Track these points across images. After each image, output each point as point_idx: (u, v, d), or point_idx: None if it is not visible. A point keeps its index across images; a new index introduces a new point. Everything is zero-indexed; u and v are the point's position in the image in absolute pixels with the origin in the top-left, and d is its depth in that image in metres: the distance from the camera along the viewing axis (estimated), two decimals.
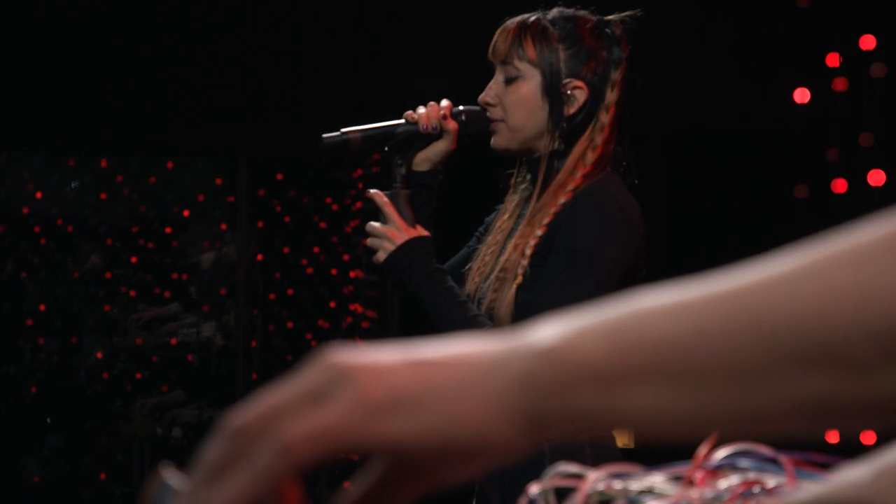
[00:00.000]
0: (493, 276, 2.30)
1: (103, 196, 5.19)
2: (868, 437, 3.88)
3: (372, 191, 2.34)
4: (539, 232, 2.26)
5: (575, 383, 0.64)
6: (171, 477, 0.71)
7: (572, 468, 1.26)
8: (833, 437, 4.21)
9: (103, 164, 5.16)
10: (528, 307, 2.23)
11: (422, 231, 2.30)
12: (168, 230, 5.28)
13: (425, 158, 2.38)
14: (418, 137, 2.36)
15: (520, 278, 2.26)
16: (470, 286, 2.35)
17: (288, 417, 0.65)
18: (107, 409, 5.17)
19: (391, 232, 2.29)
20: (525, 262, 2.25)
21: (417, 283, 2.26)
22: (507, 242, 2.33)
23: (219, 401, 4.85)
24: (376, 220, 2.33)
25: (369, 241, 2.33)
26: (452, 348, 0.67)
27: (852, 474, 0.72)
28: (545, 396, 0.64)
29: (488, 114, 2.36)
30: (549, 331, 0.66)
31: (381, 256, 2.30)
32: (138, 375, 5.20)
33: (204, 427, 4.70)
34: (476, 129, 2.39)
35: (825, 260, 0.62)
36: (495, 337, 0.67)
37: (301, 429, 0.64)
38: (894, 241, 0.60)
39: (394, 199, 2.33)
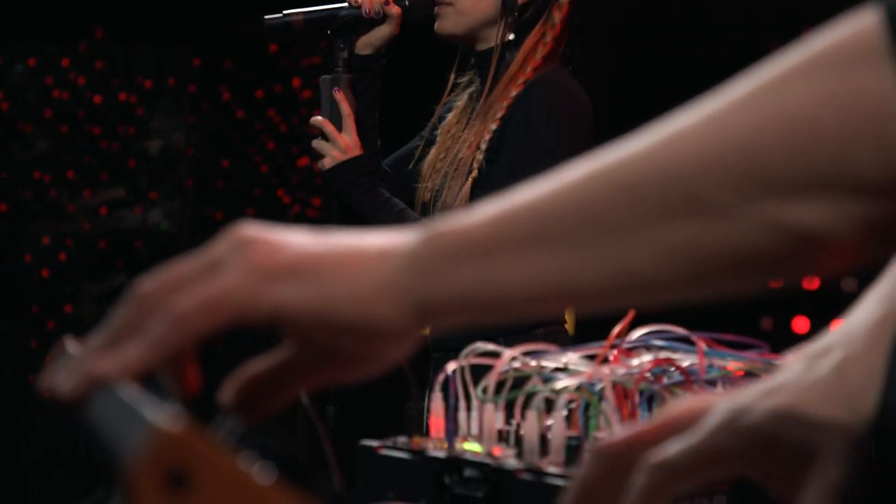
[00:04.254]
0: (448, 175, 2.32)
1: (49, 81, 5.12)
2: (800, 326, 3.98)
3: (314, 118, 2.36)
4: (493, 126, 2.27)
5: (456, 257, 0.66)
6: (74, 348, 0.72)
7: (488, 346, 1.28)
8: (767, 325, 4.30)
9: (49, 48, 5.08)
10: (482, 200, 2.26)
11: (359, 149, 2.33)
12: (115, 116, 5.22)
13: (368, 43, 2.38)
14: (361, 22, 2.36)
15: (475, 173, 2.28)
16: (424, 194, 2.37)
17: (185, 287, 0.66)
18: (54, 294, 5.16)
19: (343, 141, 2.32)
20: (480, 156, 2.27)
21: (358, 196, 2.30)
22: (459, 141, 2.34)
23: None
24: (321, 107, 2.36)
25: (315, 144, 2.35)
26: (359, 234, 0.69)
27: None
28: (428, 273, 0.66)
29: None
30: (449, 218, 0.68)
31: (327, 163, 2.33)
32: (86, 261, 5.20)
33: None
34: (420, 14, 2.39)
35: (688, 125, 0.65)
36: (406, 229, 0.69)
37: (194, 298, 0.65)
38: (744, 100, 0.64)
39: (335, 83, 2.34)
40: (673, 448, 0.73)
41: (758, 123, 0.62)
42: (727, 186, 0.62)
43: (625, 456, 0.75)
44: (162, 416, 0.49)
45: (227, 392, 0.70)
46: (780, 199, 0.62)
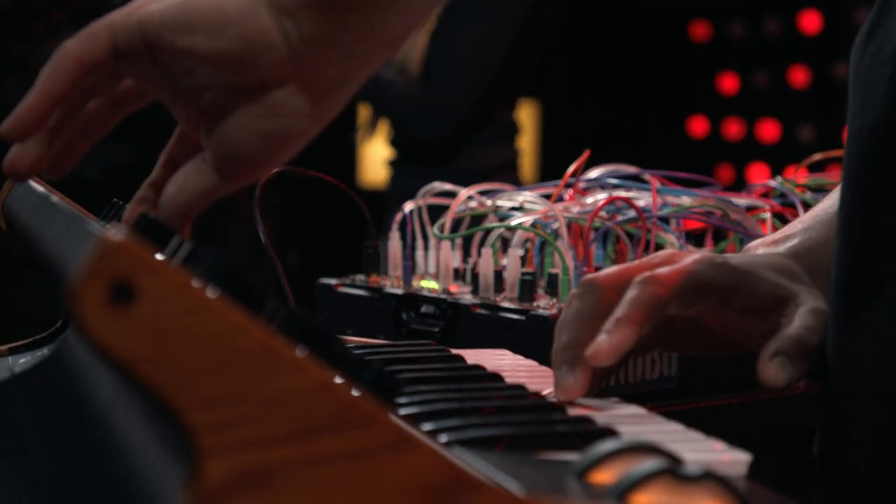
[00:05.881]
0: None
1: None
2: (758, 175, 4.00)
3: None
4: None
5: None
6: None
7: (445, 186, 1.28)
8: (726, 175, 4.33)
9: None
10: (433, 56, 2.30)
11: None
12: None
13: None
14: None
15: (430, 25, 2.30)
16: None
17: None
18: None
19: None
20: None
21: None
22: None
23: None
24: None
25: None
26: None
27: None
28: None
29: None
30: None
31: None
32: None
33: (118, 166, 4.69)
34: None
35: None
36: None
37: (75, 37, 0.72)
38: None
39: None
40: (662, 269, 0.77)
41: None
42: None
43: (615, 288, 0.77)
44: (107, 230, 0.50)
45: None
46: None
